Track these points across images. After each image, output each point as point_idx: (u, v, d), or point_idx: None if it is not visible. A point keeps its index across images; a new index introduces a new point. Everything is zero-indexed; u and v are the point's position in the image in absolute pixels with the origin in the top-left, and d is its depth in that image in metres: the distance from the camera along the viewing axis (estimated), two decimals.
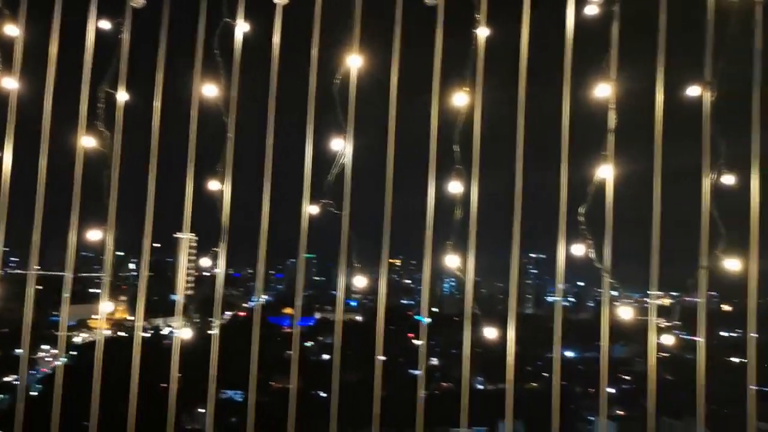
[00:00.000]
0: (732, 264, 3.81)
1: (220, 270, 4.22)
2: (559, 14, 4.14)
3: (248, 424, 4.24)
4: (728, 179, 3.89)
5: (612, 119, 4.05)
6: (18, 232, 4.32)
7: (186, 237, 4.45)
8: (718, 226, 3.85)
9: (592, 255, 4.03)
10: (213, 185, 4.30)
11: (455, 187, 4.16)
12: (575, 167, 4.06)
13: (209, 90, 4.36)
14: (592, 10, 4.06)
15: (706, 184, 3.91)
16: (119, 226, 4.23)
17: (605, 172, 4.02)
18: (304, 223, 4.28)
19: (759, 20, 3.92)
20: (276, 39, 4.41)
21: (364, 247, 4.37)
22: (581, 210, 4.04)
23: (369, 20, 4.43)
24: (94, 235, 4.21)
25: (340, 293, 4.37)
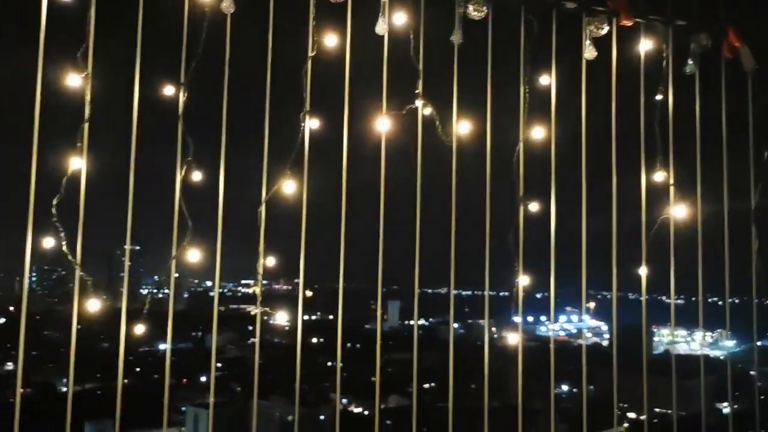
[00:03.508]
0: (194, 254, 4.13)
1: None
2: None
3: None
4: (197, 176, 4.20)
5: (87, 111, 4.02)
6: None
7: None
8: (186, 219, 4.13)
9: (65, 248, 3.95)
10: None
11: None
12: (48, 157, 3.93)
13: None
14: None
15: (178, 178, 4.15)
16: None
17: (78, 164, 3.98)
18: None
19: (229, 30, 4.30)
20: None
21: None
22: (54, 201, 3.93)
23: None
24: None
25: None
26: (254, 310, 4.10)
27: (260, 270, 4.27)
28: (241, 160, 4.39)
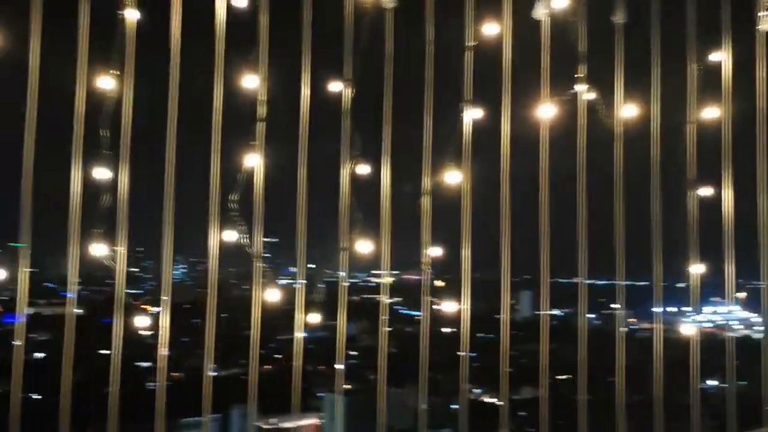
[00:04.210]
0: (365, 246, 4.23)
1: None
2: (211, 2, 4.19)
3: None
4: (364, 169, 4.30)
5: (261, 110, 4.21)
6: None
7: None
8: (355, 212, 4.24)
9: (245, 240, 4.18)
10: None
11: (103, 173, 4.00)
12: (226, 155, 4.17)
13: None
14: (241, 1, 4.16)
15: (346, 173, 4.28)
16: None
17: (254, 161, 4.18)
18: None
19: (390, 25, 4.36)
20: None
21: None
22: (233, 197, 4.16)
23: None
24: None
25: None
26: (426, 300, 4.16)
27: (425, 260, 4.32)
28: (400, 153, 4.46)
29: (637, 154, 4.65)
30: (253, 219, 4.18)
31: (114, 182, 4.00)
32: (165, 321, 4.07)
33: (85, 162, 3.97)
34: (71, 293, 4.13)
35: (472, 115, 4.41)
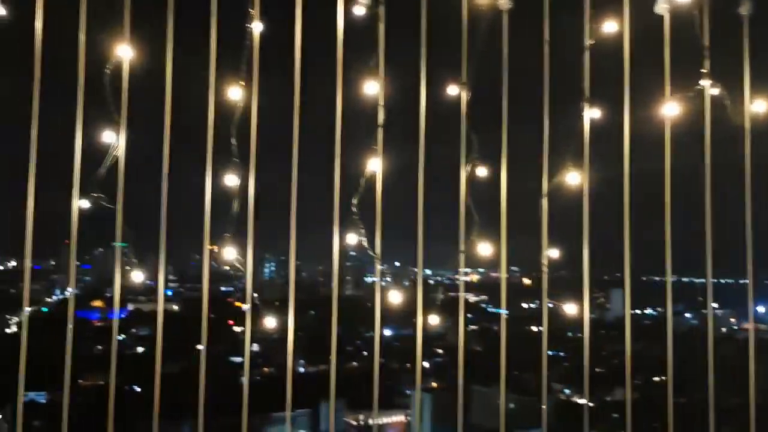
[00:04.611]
0: (484, 248, 4.24)
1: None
2: (331, 12, 4.31)
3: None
4: (481, 171, 4.32)
5: (381, 115, 4.30)
6: None
7: None
8: (472, 214, 4.26)
9: (365, 243, 4.28)
10: None
11: (232, 180, 4.19)
12: (348, 160, 4.27)
13: None
14: (360, 10, 4.26)
15: (463, 175, 4.30)
16: None
17: (375, 165, 4.27)
18: (75, 217, 4.08)
19: (506, 26, 4.36)
20: (38, 23, 4.11)
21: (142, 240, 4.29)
22: (354, 201, 4.26)
23: (139, 5, 4.29)
24: None
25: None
26: (547, 303, 4.13)
27: (545, 261, 4.30)
28: (518, 152, 4.45)
29: (767, 151, 4.46)
30: (374, 222, 4.26)
31: (243, 189, 4.17)
32: (290, 322, 4.21)
33: (215, 170, 4.16)
34: (204, 291, 4.35)
35: (591, 114, 4.35)
